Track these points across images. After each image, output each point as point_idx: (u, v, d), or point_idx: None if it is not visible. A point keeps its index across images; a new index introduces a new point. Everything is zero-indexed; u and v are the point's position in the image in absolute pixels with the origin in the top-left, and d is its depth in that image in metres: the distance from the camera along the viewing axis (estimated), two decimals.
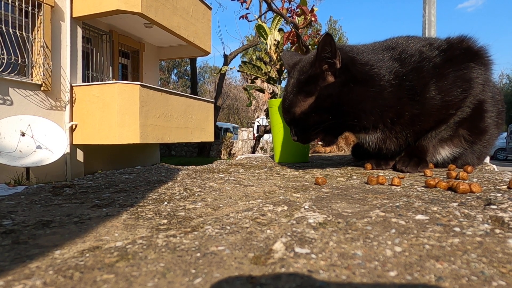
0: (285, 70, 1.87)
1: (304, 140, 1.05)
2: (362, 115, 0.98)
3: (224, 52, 11.12)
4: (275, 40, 1.75)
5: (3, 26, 4.32)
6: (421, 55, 1.01)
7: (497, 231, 0.47)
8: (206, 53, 7.59)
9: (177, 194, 0.79)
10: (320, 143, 1.07)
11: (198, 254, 0.41)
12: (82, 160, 5.46)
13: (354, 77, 0.96)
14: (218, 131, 12.72)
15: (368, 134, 1.08)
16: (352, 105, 0.97)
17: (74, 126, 5.23)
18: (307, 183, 0.92)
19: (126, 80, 6.80)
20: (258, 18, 2.06)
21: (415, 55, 1.01)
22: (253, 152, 7.90)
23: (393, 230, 0.48)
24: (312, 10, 1.75)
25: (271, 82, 1.82)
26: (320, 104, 0.97)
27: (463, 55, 1.02)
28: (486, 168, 1.24)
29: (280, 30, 1.83)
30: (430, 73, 0.99)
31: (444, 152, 1.12)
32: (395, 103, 0.99)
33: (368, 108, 0.98)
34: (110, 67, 6.40)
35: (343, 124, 1.01)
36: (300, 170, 1.21)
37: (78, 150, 5.39)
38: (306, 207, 0.62)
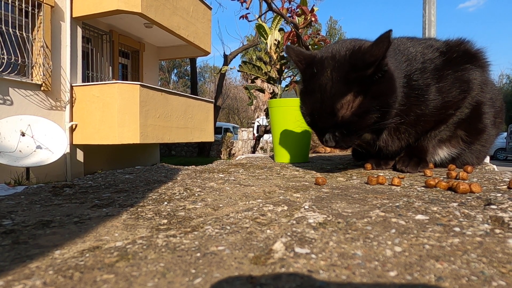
0: (286, 70, 1.87)
1: (347, 144, 0.95)
2: (394, 113, 0.95)
3: (224, 52, 11.12)
4: (275, 40, 1.76)
5: (3, 26, 4.32)
6: (424, 57, 1.03)
7: (497, 231, 0.47)
8: (206, 53, 7.59)
9: (177, 194, 0.79)
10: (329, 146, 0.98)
11: (198, 254, 0.41)
12: (82, 160, 5.46)
13: (391, 74, 0.92)
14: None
15: (379, 134, 1.05)
16: (390, 103, 0.92)
17: (74, 126, 5.23)
18: (307, 183, 0.92)
19: (126, 80, 6.80)
20: (258, 18, 2.06)
21: (418, 56, 1.03)
22: (253, 152, 7.90)
23: (393, 230, 0.48)
24: (312, 10, 1.75)
25: (271, 82, 1.82)
26: (372, 103, 0.89)
27: (461, 57, 1.04)
28: (486, 168, 1.24)
29: (280, 30, 1.83)
30: (432, 75, 1.01)
31: (442, 153, 1.13)
32: (406, 102, 0.99)
33: (396, 106, 0.95)
34: (110, 67, 6.40)
35: (382, 124, 0.95)
36: (300, 170, 1.21)
37: (78, 150, 5.38)
38: (306, 207, 0.62)
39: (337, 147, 0.95)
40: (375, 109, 0.89)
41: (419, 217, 0.54)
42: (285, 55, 1.89)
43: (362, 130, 0.94)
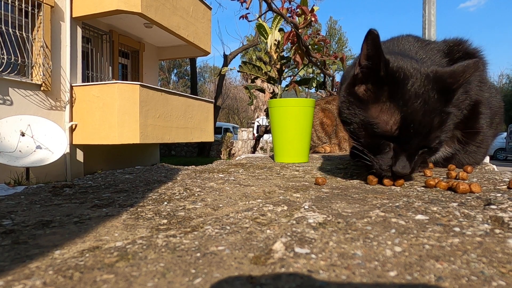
0: (286, 70, 1.87)
1: (417, 169, 0.85)
2: None
3: (224, 52, 11.11)
4: (275, 40, 1.76)
5: (3, 26, 4.32)
6: (432, 62, 1.01)
7: (497, 231, 0.47)
8: (206, 53, 7.59)
9: (177, 194, 0.79)
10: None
11: (198, 254, 0.41)
12: (82, 160, 5.46)
13: None
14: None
15: None
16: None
17: (74, 126, 5.23)
18: (307, 183, 0.92)
19: (126, 80, 6.80)
20: (258, 18, 2.06)
21: (428, 62, 1.01)
22: (253, 152, 7.90)
23: (393, 230, 0.48)
24: (312, 10, 1.75)
25: (271, 82, 1.82)
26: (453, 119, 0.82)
27: (463, 58, 1.04)
28: (486, 168, 1.24)
29: (280, 30, 1.84)
30: None
31: (438, 152, 1.13)
32: None
33: None
34: (110, 67, 6.40)
35: None
36: (300, 170, 1.21)
37: (78, 150, 5.38)
38: (306, 207, 0.62)
39: (408, 174, 0.80)
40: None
41: (419, 217, 0.54)
42: (285, 55, 1.89)
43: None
